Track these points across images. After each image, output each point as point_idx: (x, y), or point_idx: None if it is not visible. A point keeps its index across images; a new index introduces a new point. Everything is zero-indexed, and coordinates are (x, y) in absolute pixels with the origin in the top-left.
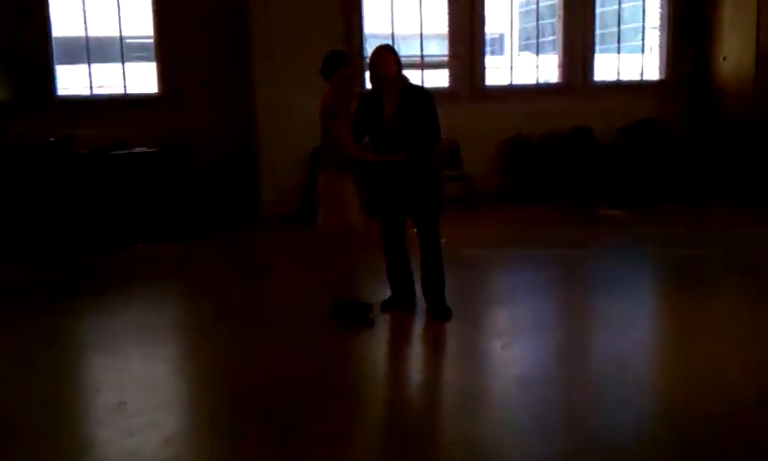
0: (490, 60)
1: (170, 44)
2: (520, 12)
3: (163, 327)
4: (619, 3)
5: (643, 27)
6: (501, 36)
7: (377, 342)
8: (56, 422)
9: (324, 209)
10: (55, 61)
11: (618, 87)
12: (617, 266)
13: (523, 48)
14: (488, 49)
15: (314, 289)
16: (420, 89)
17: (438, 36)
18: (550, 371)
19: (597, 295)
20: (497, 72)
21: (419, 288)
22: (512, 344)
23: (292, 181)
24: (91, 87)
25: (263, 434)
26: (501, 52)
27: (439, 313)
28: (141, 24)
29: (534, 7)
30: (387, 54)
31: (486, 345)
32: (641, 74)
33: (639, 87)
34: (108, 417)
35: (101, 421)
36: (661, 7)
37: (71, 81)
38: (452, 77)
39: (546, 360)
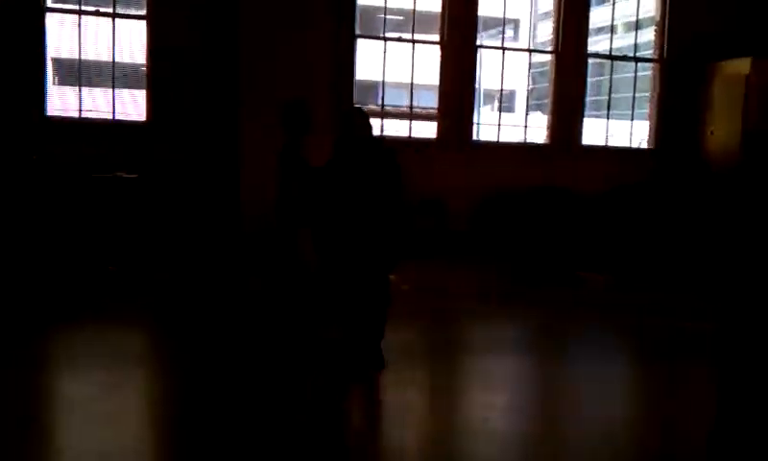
0: (497, 117)
1: (161, 73)
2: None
3: (110, 355)
4: (611, 72)
5: (633, 96)
6: (513, 93)
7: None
8: None
9: None
10: (48, 82)
11: (606, 152)
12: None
13: (534, 108)
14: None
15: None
16: (388, 149)
17: (430, 88)
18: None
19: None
20: (505, 129)
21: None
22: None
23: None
24: (80, 110)
25: None
26: (512, 109)
27: (376, 364)
28: (134, 52)
29: (544, 68)
30: (357, 116)
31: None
32: (630, 141)
33: (627, 153)
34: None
35: None
36: (653, 79)
37: (63, 101)
38: (440, 129)
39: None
